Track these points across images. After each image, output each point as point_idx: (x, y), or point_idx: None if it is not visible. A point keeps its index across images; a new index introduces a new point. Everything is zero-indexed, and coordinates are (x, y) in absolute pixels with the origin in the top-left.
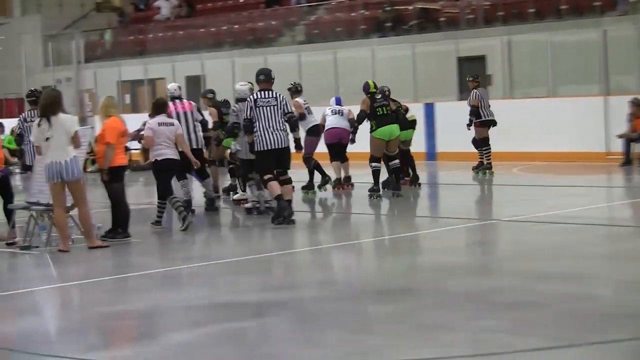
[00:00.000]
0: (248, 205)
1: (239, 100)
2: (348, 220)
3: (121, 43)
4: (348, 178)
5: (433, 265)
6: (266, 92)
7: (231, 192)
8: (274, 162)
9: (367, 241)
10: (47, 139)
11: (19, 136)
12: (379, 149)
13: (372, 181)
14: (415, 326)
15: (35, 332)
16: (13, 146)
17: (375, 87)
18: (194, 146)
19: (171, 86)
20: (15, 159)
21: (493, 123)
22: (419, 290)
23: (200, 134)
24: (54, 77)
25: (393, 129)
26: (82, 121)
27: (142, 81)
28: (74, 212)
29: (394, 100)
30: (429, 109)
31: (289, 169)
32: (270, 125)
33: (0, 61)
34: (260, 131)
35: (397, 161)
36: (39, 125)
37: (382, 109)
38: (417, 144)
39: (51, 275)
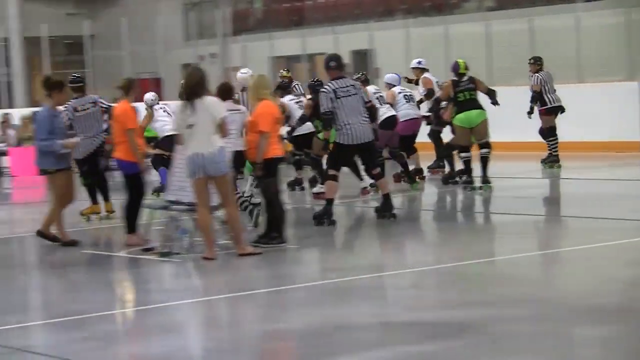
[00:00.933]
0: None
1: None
2: (518, 223)
3: (274, 12)
4: (419, 170)
5: None
6: (343, 81)
7: (296, 186)
8: (354, 157)
9: (568, 250)
10: (190, 126)
11: (69, 128)
12: (462, 138)
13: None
14: (634, 354)
15: (177, 354)
16: (152, 133)
17: (467, 67)
18: None
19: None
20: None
21: (560, 109)
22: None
23: None
24: (196, 53)
25: (472, 115)
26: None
27: (299, 57)
28: (221, 212)
29: None
30: None
31: (377, 164)
32: (354, 117)
33: (134, 35)
34: (343, 124)
35: (487, 150)
36: (181, 110)
37: (464, 94)
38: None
39: (195, 287)
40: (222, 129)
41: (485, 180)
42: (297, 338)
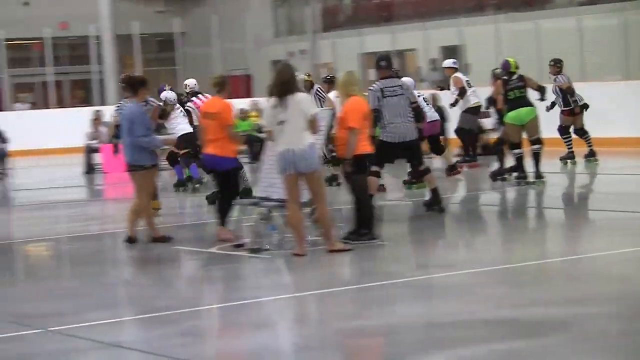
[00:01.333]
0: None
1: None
2: (599, 220)
3: (364, 8)
4: (453, 166)
5: None
6: (391, 80)
7: (333, 182)
8: (398, 155)
9: None
10: (281, 122)
11: (117, 127)
12: (513, 135)
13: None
14: None
15: (267, 350)
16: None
17: (517, 66)
18: None
19: (190, 81)
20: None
21: (584, 107)
22: None
23: None
24: (286, 49)
25: (522, 113)
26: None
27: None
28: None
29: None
30: None
31: (421, 162)
32: (399, 116)
33: (224, 32)
34: (387, 122)
35: (538, 146)
36: (272, 107)
37: (514, 92)
38: None
39: (284, 284)
40: (312, 125)
41: (538, 175)
42: (385, 335)
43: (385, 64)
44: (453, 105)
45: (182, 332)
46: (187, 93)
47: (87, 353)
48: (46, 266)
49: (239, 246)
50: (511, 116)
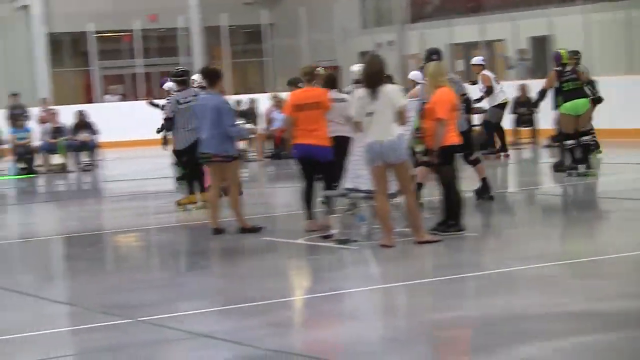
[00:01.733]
0: None
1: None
2: None
3: None
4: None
5: None
6: None
7: None
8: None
9: None
10: (370, 113)
11: (168, 120)
12: (568, 125)
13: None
14: None
15: (355, 341)
16: None
17: (569, 58)
18: None
19: (197, 76)
20: None
21: (598, 100)
22: None
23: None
24: (374, 40)
25: (578, 104)
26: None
27: (476, 44)
28: (400, 200)
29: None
30: None
31: (473, 151)
32: None
33: (312, 24)
34: None
35: (588, 137)
36: (361, 98)
37: (568, 83)
38: None
39: (372, 275)
40: (401, 116)
41: (589, 166)
42: (473, 327)
43: (437, 57)
44: (478, 101)
45: (271, 323)
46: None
47: (176, 343)
48: (136, 257)
49: (327, 237)
50: (567, 107)
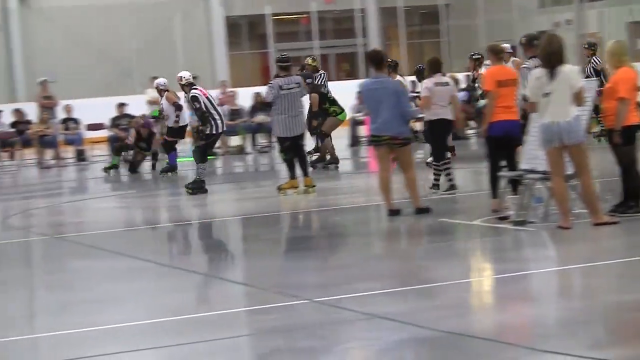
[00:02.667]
0: None
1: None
2: None
3: None
4: None
5: None
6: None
7: None
8: None
9: None
10: (547, 94)
11: (267, 105)
12: None
13: None
14: None
15: (533, 323)
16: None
17: None
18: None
19: (185, 73)
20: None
21: None
22: None
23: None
24: (551, 19)
25: None
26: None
27: None
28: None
29: None
30: None
31: None
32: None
33: (489, 3)
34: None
35: None
36: (538, 78)
37: None
38: None
39: (549, 256)
40: (578, 97)
41: None
42: None
43: (538, 43)
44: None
45: (446, 305)
46: (184, 85)
47: (352, 324)
48: (311, 238)
49: (503, 218)
50: None
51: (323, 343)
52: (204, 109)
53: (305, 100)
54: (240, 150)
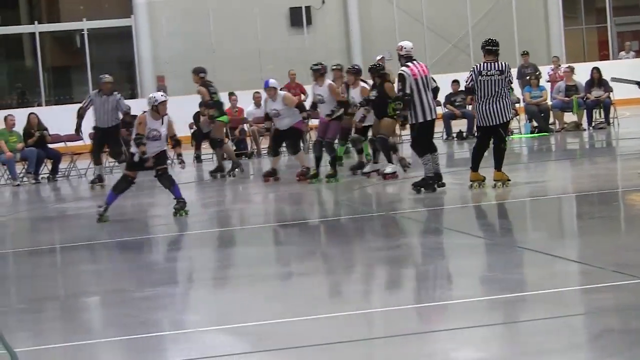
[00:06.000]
0: None
1: None
2: None
3: None
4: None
5: None
6: None
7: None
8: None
9: None
10: None
11: (468, 90)
12: None
13: None
14: None
15: None
16: None
17: None
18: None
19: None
20: None
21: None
22: None
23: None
24: None
25: None
26: None
27: None
28: None
29: None
30: None
31: None
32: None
33: None
34: None
35: None
36: None
37: None
38: None
39: None
40: None
41: None
42: None
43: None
44: None
45: None
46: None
47: None
48: None
49: None
50: None
51: None
52: (407, 90)
53: None
54: (576, 127)
